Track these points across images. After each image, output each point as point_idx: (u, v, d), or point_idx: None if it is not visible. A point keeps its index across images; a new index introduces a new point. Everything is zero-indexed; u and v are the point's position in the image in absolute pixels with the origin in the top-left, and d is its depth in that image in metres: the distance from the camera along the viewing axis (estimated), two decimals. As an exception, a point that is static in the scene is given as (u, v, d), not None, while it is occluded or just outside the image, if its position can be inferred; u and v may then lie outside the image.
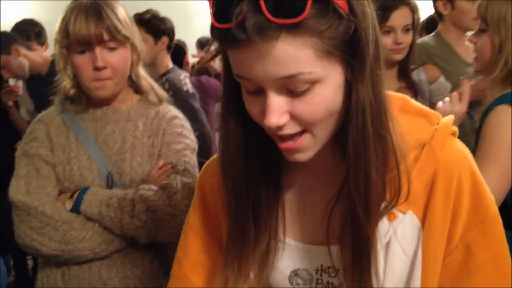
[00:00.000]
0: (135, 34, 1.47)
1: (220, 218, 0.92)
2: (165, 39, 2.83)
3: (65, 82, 1.52)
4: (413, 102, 0.85)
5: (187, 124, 1.60)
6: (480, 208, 0.78)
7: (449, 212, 0.77)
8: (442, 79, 2.34)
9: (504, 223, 1.50)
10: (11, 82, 3.25)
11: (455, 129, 0.83)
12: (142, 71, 1.56)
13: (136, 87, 1.56)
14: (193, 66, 4.16)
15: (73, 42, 1.37)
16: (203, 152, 1.85)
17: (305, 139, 0.74)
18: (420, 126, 0.81)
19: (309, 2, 0.62)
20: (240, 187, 0.83)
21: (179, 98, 2.72)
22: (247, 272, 0.86)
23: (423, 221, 0.78)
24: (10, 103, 3.22)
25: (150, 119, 1.53)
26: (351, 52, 0.70)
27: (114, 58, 1.41)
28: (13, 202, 1.41)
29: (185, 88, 2.84)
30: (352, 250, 0.77)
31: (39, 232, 1.38)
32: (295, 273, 0.89)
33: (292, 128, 0.73)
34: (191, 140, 1.58)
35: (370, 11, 0.71)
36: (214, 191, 0.93)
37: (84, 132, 1.48)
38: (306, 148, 0.75)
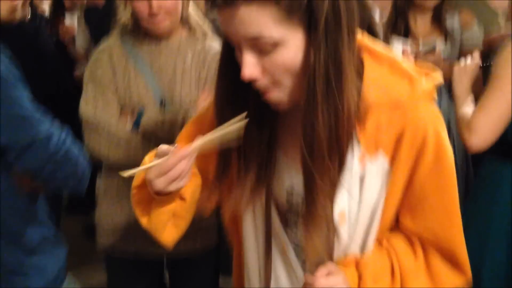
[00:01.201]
0: None
1: None
2: None
3: (124, 18, 1.74)
4: (403, 64, 0.97)
5: None
6: (439, 161, 0.95)
7: (412, 160, 0.94)
8: (476, 27, 2.40)
9: (504, 155, 1.74)
10: (67, 21, 3.46)
11: (434, 94, 0.96)
12: (191, 9, 1.76)
13: (185, 24, 1.76)
14: None
15: None
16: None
17: (275, 93, 0.91)
18: (401, 88, 0.94)
19: None
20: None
21: None
22: (246, 186, 1.01)
23: (391, 163, 0.95)
24: (67, 39, 3.46)
25: (197, 53, 1.74)
26: (308, 18, 0.82)
27: (168, 2, 1.63)
28: (83, 117, 1.68)
29: None
30: (305, 176, 0.93)
31: (105, 143, 1.65)
32: (291, 189, 1.05)
33: (264, 83, 0.89)
34: None
35: None
36: None
37: (141, 61, 1.71)
38: (279, 99, 0.92)
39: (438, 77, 0.98)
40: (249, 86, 0.91)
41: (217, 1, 0.83)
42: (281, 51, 0.85)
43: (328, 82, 0.86)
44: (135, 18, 1.69)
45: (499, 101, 1.63)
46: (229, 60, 0.94)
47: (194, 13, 1.78)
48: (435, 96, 0.97)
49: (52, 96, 2.17)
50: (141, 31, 1.72)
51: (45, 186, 1.30)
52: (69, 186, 1.32)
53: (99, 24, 2.90)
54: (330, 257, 1.03)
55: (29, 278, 1.29)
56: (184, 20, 1.75)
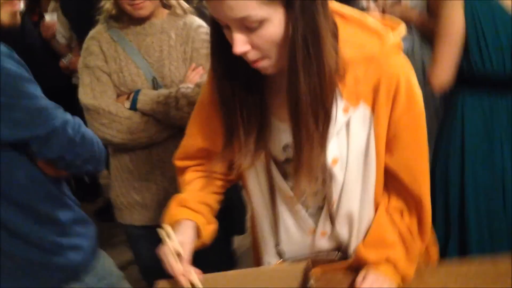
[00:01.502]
0: None
1: None
2: None
3: (107, 4, 1.84)
4: (370, 21, 1.11)
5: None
6: (411, 105, 1.11)
7: (390, 104, 1.09)
8: None
9: (466, 87, 1.94)
10: (47, 18, 3.51)
11: (400, 44, 1.11)
12: None
13: (164, 3, 1.87)
14: None
15: None
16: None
17: (263, 62, 1.04)
18: (372, 43, 1.08)
19: None
20: (227, 91, 1.13)
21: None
22: (246, 151, 1.17)
23: (373, 110, 1.10)
24: (49, 35, 3.52)
25: (179, 29, 1.85)
26: None
27: None
28: (84, 105, 1.79)
29: None
30: (293, 131, 1.08)
31: (108, 127, 1.77)
32: (286, 145, 1.20)
33: (254, 56, 1.02)
34: None
35: None
36: None
37: (129, 44, 1.82)
38: (267, 67, 1.05)
39: (402, 30, 1.12)
40: (240, 59, 1.04)
41: None
42: (266, 27, 0.98)
43: (307, 49, 0.99)
44: (118, 4, 1.79)
45: (447, 41, 1.90)
46: (219, 38, 1.06)
47: None
48: (402, 46, 1.12)
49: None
50: (124, 16, 1.82)
51: (68, 170, 1.38)
52: (90, 167, 1.40)
53: (78, 13, 2.96)
54: (329, 200, 1.20)
55: (67, 256, 1.40)
56: (164, 1, 1.86)
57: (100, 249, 1.54)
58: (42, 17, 3.57)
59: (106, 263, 1.54)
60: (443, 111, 2.21)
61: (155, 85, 1.82)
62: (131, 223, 1.96)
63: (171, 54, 1.83)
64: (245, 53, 1.02)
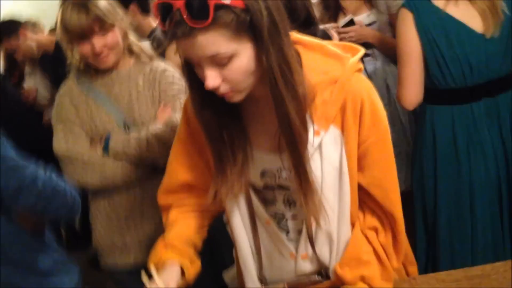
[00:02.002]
0: (118, 16, 1.86)
1: (200, 132, 1.26)
2: (133, 7, 3.06)
3: (74, 61, 1.93)
4: (330, 47, 1.19)
5: (176, 73, 2.02)
6: (376, 122, 1.16)
7: (357, 123, 1.15)
8: None
9: (429, 100, 2.01)
10: (26, 85, 3.66)
11: (360, 66, 1.18)
12: (132, 39, 1.96)
13: (130, 53, 1.97)
14: None
15: (71, 37, 1.80)
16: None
17: (234, 95, 1.11)
18: (334, 67, 1.15)
19: (211, 11, 0.96)
20: (211, 128, 1.20)
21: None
22: (232, 180, 1.22)
23: (342, 131, 1.16)
24: (31, 101, 3.66)
25: (146, 75, 1.95)
26: (253, 32, 1.02)
27: (108, 40, 1.82)
28: (58, 156, 1.87)
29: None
30: (292, 155, 1.14)
31: (82, 174, 1.84)
32: (263, 172, 1.26)
33: (224, 89, 1.08)
34: (181, 85, 2.00)
35: (264, 1, 1.01)
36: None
37: (99, 94, 1.91)
38: (236, 96, 1.12)
39: (361, 52, 1.19)
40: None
41: (177, 35, 1.00)
42: (236, 61, 1.04)
43: (285, 77, 1.06)
44: (84, 59, 1.89)
45: (408, 62, 1.95)
46: (192, 75, 1.13)
47: (135, 40, 1.99)
48: (362, 66, 1.19)
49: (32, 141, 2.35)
50: (92, 69, 1.92)
51: (42, 219, 1.50)
52: (63, 215, 1.53)
53: (55, 68, 3.09)
54: (308, 222, 1.24)
55: None
56: (128, 49, 1.96)
57: None
58: (22, 78, 3.73)
59: None
60: (415, 124, 2.26)
61: (126, 129, 1.90)
62: (115, 266, 2.00)
63: (139, 98, 1.92)
64: (217, 88, 1.08)
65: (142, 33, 3.14)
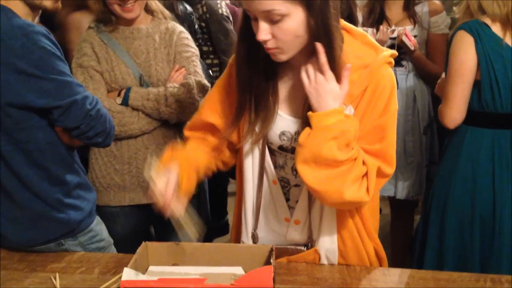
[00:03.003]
0: None
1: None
2: None
3: (96, 5, 2.03)
4: (370, 38, 1.34)
5: (190, 36, 2.18)
6: (386, 110, 1.29)
7: (370, 107, 1.29)
8: (443, 13, 2.77)
9: (471, 122, 2.10)
10: None
11: (391, 60, 1.31)
12: None
13: (148, 9, 2.11)
14: None
15: None
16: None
17: (277, 51, 1.25)
18: (369, 54, 1.30)
19: None
20: (243, 85, 1.36)
21: (214, 19, 3.22)
22: (253, 129, 1.38)
23: (355, 108, 1.30)
24: None
25: (162, 33, 2.10)
26: (306, 0, 1.19)
27: None
28: None
29: (220, 11, 3.21)
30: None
31: None
32: (282, 133, 1.39)
33: (272, 44, 1.24)
34: (195, 49, 2.19)
35: None
36: None
37: (118, 47, 2.05)
38: (280, 56, 1.27)
39: (395, 53, 1.34)
40: (261, 49, 1.27)
41: None
42: (287, 21, 1.20)
43: (327, 44, 1.23)
44: (106, 9, 2.01)
45: (459, 82, 2.03)
46: (247, 28, 1.28)
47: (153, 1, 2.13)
48: (392, 61, 1.33)
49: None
50: (112, 22, 2.05)
51: (81, 139, 1.60)
52: (100, 140, 1.62)
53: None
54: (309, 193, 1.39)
55: (67, 214, 1.61)
56: (147, 8, 2.10)
57: (96, 215, 1.76)
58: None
59: (99, 228, 1.76)
60: (448, 140, 2.31)
61: (142, 83, 2.06)
62: (107, 203, 2.15)
63: (156, 55, 2.07)
64: (266, 41, 1.23)
65: None
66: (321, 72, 1.25)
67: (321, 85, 1.24)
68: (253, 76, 1.35)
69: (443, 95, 2.10)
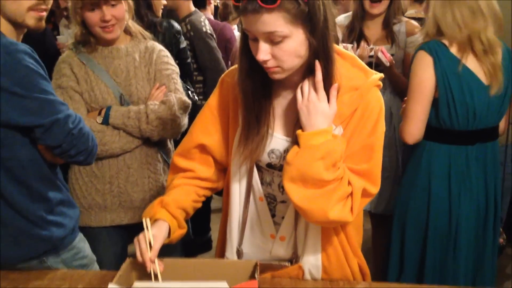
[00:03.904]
0: None
1: (229, 105, 1.48)
2: None
3: (76, 30, 2.07)
4: (359, 61, 1.40)
5: (169, 54, 2.21)
6: (374, 131, 1.34)
7: (359, 127, 1.33)
8: (418, 35, 2.78)
9: (430, 137, 2.23)
10: (60, 39, 3.56)
11: (380, 83, 1.37)
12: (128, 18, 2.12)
13: (127, 31, 2.13)
14: (216, 6, 4.59)
15: (85, 3, 1.94)
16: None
17: (277, 72, 1.30)
18: (359, 77, 1.36)
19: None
20: (247, 97, 1.39)
21: (198, 37, 3.32)
22: (249, 149, 1.40)
23: (344, 129, 1.35)
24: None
25: (142, 52, 2.13)
26: (308, 21, 1.23)
27: (116, 11, 1.99)
28: None
29: (204, 29, 3.31)
30: None
31: None
32: (271, 151, 1.42)
33: (271, 64, 1.28)
34: (175, 66, 2.21)
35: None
36: (229, 88, 1.48)
37: (97, 67, 2.06)
38: (278, 74, 1.31)
39: (382, 75, 1.39)
40: (259, 67, 1.31)
41: (247, 10, 1.21)
42: (287, 42, 1.24)
43: (324, 64, 1.29)
44: (85, 32, 2.04)
45: (419, 99, 2.12)
46: (246, 48, 1.32)
47: (132, 21, 2.16)
48: (381, 84, 1.38)
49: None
50: (92, 42, 2.07)
51: (63, 158, 1.60)
52: (82, 158, 1.62)
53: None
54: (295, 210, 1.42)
55: (50, 230, 1.59)
56: (126, 29, 2.13)
57: (79, 232, 1.75)
58: (56, 27, 3.75)
59: (82, 245, 1.75)
60: (408, 156, 2.41)
61: (123, 102, 2.07)
62: (88, 224, 2.14)
63: (136, 74, 2.09)
64: (265, 61, 1.27)
65: (179, 13, 3.38)
66: (315, 90, 1.29)
67: (312, 103, 1.29)
68: (254, 88, 1.38)
69: (403, 112, 2.20)
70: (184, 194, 1.52)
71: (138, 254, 1.36)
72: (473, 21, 2.04)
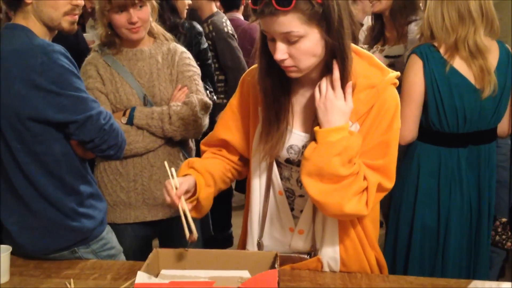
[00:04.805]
0: None
1: (250, 104, 1.54)
2: None
3: (101, 31, 2.14)
4: (376, 59, 1.43)
5: (191, 56, 2.28)
6: (390, 128, 1.38)
7: (375, 125, 1.37)
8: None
9: (421, 138, 2.26)
10: (86, 37, 3.65)
11: (396, 81, 1.41)
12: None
13: (150, 32, 2.20)
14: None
15: (113, 6, 2.01)
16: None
17: (293, 69, 1.35)
18: (376, 75, 1.39)
19: (294, 1, 1.22)
20: (267, 95, 1.44)
21: (220, 37, 3.40)
22: (269, 145, 1.45)
23: (360, 126, 1.39)
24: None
25: (165, 54, 2.19)
26: (323, 21, 1.28)
27: (142, 13, 2.06)
28: None
29: (225, 29, 3.39)
30: None
31: None
32: (290, 147, 1.47)
33: (288, 63, 1.33)
34: (196, 68, 2.28)
35: (336, 0, 1.27)
36: (249, 86, 1.54)
37: (122, 68, 2.14)
38: (295, 73, 1.36)
39: (398, 73, 1.43)
40: (278, 66, 1.37)
41: (264, 13, 1.26)
42: (303, 41, 1.29)
43: (341, 62, 1.33)
44: (111, 33, 2.11)
45: (410, 102, 2.15)
46: (265, 48, 1.38)
47: (155, 23, 2.23)
48: (397, 82, 1.42)
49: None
50: (117, 44, 2.14)
51: (94, 152, 1.69)
52: (112, 152, 1.71)
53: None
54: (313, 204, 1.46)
55: (81, 222, 1.68)
56: (150, 31, 2.20)
57: (107, 224, 1.83)
58: (83, 28, 3.86)
59: (110, 236, 1.83)
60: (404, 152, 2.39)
61: (146, 103, 2.14)
62: (113, 221, 2.20)
63: (159, 76, 2.16)
64: (283, 60, 1.32)
65: (201, 14, 3.47)
66: (332, 88, 1.34)
67: (329, 101, 1.34)
68: (273, 85, 1.43)
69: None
70: (212, 163, 1.61)
71: (165, 194, 1.43)
72: (460, 24, 2.07)
